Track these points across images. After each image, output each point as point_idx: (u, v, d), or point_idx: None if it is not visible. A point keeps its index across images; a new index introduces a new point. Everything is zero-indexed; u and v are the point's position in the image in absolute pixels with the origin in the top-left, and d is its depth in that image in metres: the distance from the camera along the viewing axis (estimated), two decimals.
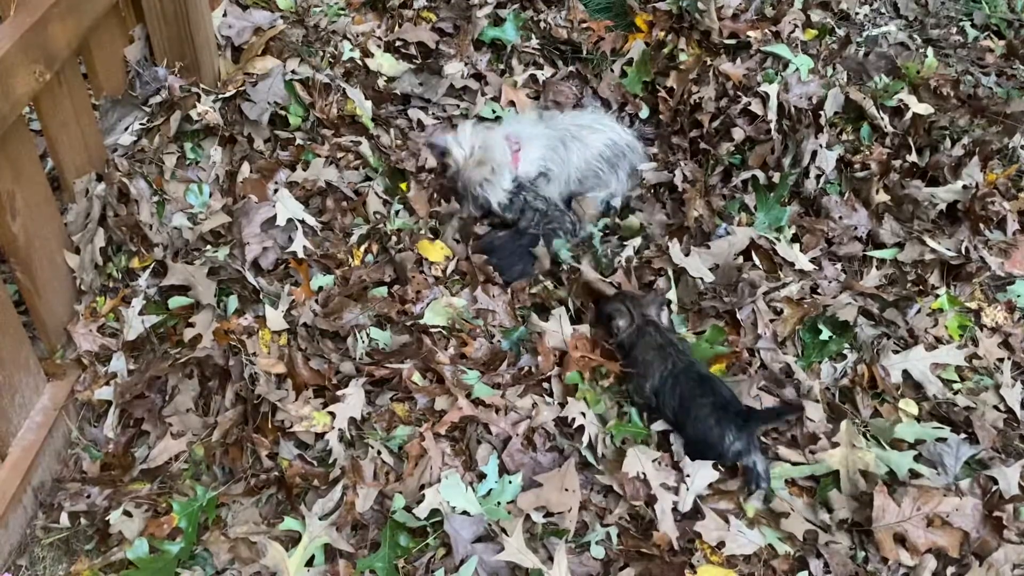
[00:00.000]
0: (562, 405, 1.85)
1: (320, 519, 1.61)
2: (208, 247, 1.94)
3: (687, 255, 2.13)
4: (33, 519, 1.65)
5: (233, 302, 1.88)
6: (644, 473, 1.73)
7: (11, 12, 1.52)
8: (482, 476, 1.72)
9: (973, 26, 3.30)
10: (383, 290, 2.03)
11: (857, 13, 3.24)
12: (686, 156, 2.34)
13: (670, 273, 2.11)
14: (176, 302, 1.84)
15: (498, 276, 2.09)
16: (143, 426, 1.77)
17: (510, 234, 2.23)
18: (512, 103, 2.48)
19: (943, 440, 1.86)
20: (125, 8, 2.00)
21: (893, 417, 1.91)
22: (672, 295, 2.09)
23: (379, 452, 1.73)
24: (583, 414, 1.81)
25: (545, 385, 1.91)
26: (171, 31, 2.04)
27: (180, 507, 1.62)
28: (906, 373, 1.99)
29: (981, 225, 2.25)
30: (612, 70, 2.54)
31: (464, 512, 1.62)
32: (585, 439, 1.78)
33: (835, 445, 1.82)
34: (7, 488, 1.59)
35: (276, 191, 2.07)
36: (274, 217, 1.99)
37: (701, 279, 2.12)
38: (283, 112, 2.18)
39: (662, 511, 1.68)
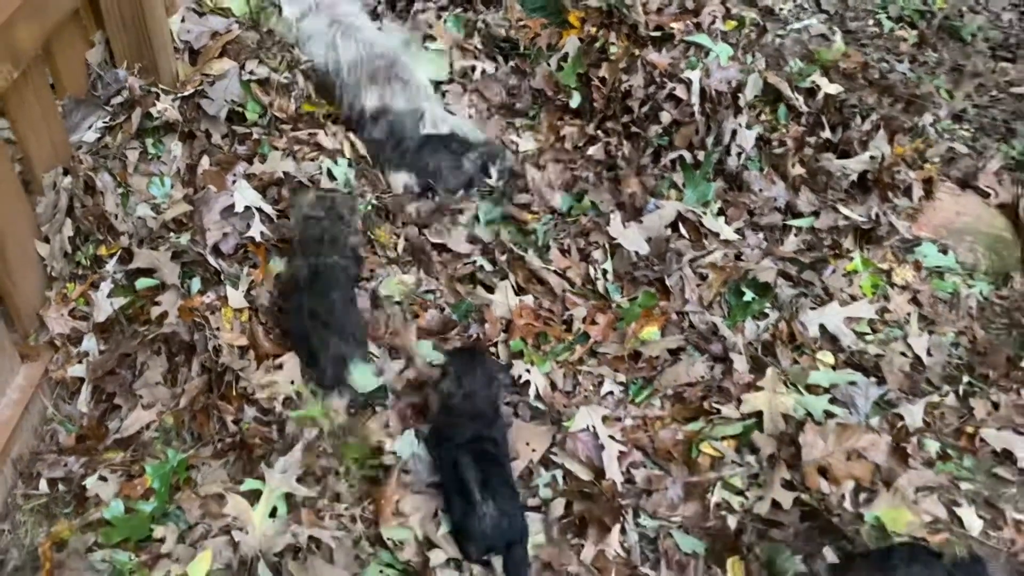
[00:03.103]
0: (510, 365, 2.00)
1: (281, 473, 1.73)
2: (171, 234, 2.05)
3: (625, 227, 2.31)
4: (13, 488, 1.73)
5: (196, 283, 1.98)
6: (593, 427, 1.88)
7: None
8: None
9: (888, 18, 3.55)
10: None
11: (782, 8, 3.47)
12: (619, 138, 2.51)
13: (606, 245, 2.29)
14: (143, 284, 1.94)
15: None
16: (115, 400, 1.86)
17: None
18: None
19: (854, 383, 2.04)
20: (86, 15, 2.11)
21: (810, 366, 2.09)
22: (608, 266, 2.26)
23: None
24: (528, 370, 1.96)
25: (493, 349, 2.06)
26: (130, 36, 2.15)
27: (152, 469, 1.72)
28: (823, 327, 2.17)
29: (889, 193, 2.46)
30: (549, 64, 2.70)
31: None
32: (532, 392, 1.94)
33: (759, 389, 1.99)
34: None
35: (234, 182, 2.19)
36: (232, 205, 2.11)
37: (637, 251, 2.29)
38: (240, 109, 2.31)
39: (609, 457, 1.83)
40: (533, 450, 1.83)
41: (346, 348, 1.88)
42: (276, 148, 2.31)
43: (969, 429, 1.98)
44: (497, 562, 1.63)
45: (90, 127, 2.10)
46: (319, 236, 2.00)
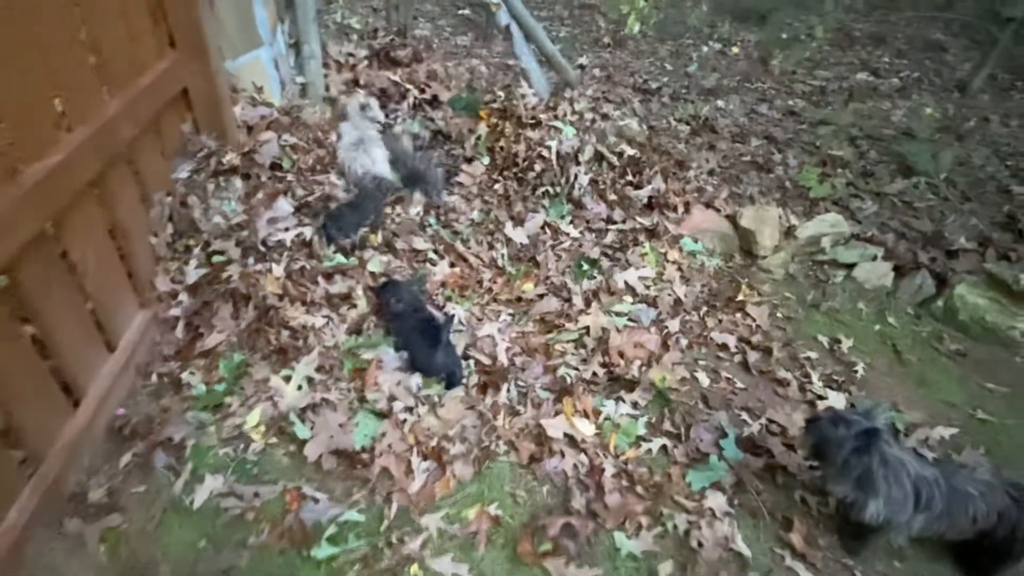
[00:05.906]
0: (443, 306, 2.24)
1: (305, 365, 1.93)
2: (235, 232, 2.21)
3: (515, 229, 2.60)
4: (135, 381, 1.84)
5: (252, 260, 2.14)
6: (493, 335, 2.14)
7: (117, 95, 1.83)
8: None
9: (674, 119, 4.03)
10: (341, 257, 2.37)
11: (613, 114, 3.89)
12: (511, 181, 2.81)
13: (503, 239, 2.58)
14: (216, 259, 2.09)
15: None
16: (199, 330, 1.96)
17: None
18: None
19: (641, 309, 2.36)
20: (181, 103, 2.30)
21: (618, 301, 2.41)
22: (504, 251, 2.54)
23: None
24: (455, 308, 2.21)
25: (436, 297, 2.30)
26: (209, 116, 2.31)
27: (224, 364, 1.87)
28: (626, 282, 2.48)
29: (664, 209, 2.81)
30: (471, 141, 3.00)
31: None
32: (456, 320, 2.17)
33: (588, 314, 2.29)
34: (118, 364, 1.79)
35: (275, 204, 2.39)
36: (276, 217, 2.32)
37: (521, 243, 2.59)
38: (279, 161, 2.51)
39: (501, 351, 2.07)
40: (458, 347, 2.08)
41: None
42: (302, 188, 2.52)
43: (704, 332, 2.33)
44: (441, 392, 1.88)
45: (184, 169, 2.26)
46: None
